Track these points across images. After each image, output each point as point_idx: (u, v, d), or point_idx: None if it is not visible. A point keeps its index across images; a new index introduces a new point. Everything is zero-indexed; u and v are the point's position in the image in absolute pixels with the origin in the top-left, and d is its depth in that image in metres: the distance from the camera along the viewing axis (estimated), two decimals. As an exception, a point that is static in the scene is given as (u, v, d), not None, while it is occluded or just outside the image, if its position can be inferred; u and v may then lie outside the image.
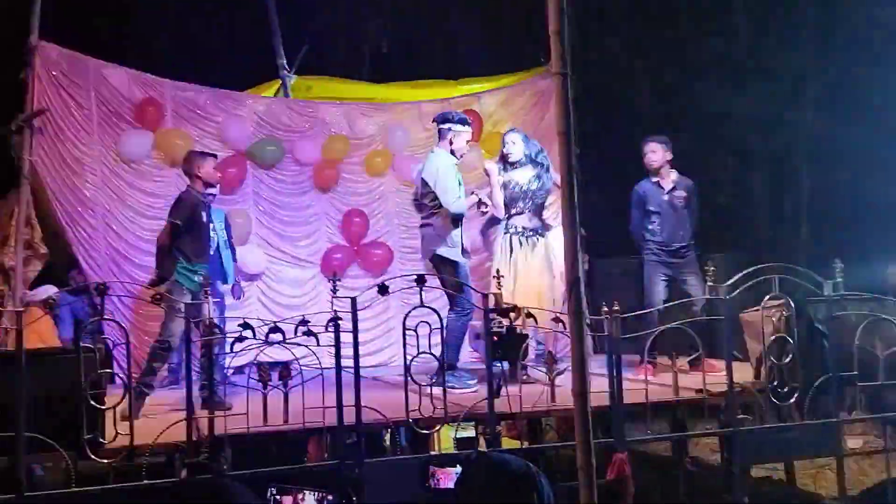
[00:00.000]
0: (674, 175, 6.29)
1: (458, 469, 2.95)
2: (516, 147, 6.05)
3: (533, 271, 6.01)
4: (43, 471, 4.35)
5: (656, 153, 6.22)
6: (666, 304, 5.87)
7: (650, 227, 6.24)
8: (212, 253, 5.97)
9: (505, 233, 6.13)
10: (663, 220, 6.21)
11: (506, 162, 6.11)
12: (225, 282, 6.64)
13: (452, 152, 5.81)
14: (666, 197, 6.23)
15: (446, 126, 5.82)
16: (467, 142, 5.91)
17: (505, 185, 6.07)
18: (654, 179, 6.27)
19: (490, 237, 6.88)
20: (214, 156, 5.72)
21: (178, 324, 5.08)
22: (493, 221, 6.69)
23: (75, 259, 6.79)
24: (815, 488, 5.72)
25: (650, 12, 11.41)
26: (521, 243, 6.05)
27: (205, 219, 5.46)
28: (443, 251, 5.71)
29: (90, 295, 6.24)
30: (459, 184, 5.74)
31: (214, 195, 6.11)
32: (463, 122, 5.88)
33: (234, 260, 6.79)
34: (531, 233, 6.13)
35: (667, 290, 6.13)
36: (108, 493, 3.80)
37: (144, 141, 7.12)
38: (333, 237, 7.89)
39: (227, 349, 4.71)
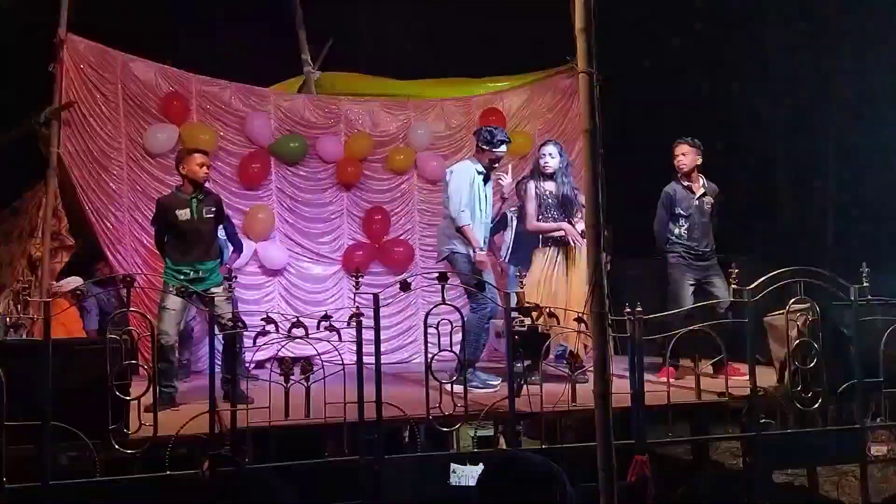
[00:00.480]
0: (702, 180, 6.24)
1: (479, 467, 2.95)
2: (553, 160, 6.05)
3: (572, 277, 6.00)
4: (68, 460, 4.39)
5: (687, 156, 6.15)
6: (689, 307, 5.82)
7: (677, 230, 6.17)
8: None
9: (544, 245, 6.14)
10: (692, 225, 6.14)
11: (542, 174, 6.11)
12: None
13: (485, 165, 5.88)
14: (696, 202, 6.17)
15: (484, 146, 5.89)
16: (493, 161, 5.91)
17: (538, 196, 6.09)
18: (686, 183, 6.19)
19: (500, 239, 6.93)
20: (202, 151, 5.57)
21: (166, 322, 5.10)
22: (501, 224, 6.74)
23: (101, 251, 6.86)
24: (837, 495, 5.66)
25: (676, 12, 11.33)
26: (557, 251, 6.05)
27: (187, 217, 5.32)
28: (452, 246, 5.79)
29: (116, 287, 6.33)
30: (480, 198, 5.84)
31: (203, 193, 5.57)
32: (495, 142, 5.91)
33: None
34: (563, 241, 6.11)
35: (693, 295, 6.06)
36: (132, 483, 3.84)
37: (170, 135, 7.18)
38: (355, 234, 7.91)
39: (249, 343, 4.76)
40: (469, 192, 5.78)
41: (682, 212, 6.14)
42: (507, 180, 6.57)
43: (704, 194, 6.20)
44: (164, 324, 5.09)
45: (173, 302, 5.09)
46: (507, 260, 6.85)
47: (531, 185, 6.13)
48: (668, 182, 6.37)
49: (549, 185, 6.09)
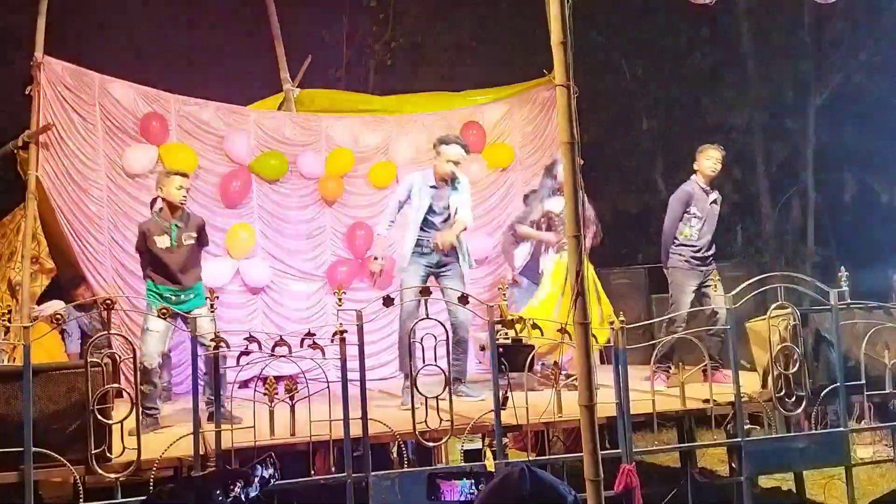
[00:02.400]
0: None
1: (465, 482, 2.92)
2: None
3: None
4: (51, 486, 4.34)
5: (720, 163, 6.23)
6: (672, 314, 5.85)
7: (687, 230, 6.19)
8: None
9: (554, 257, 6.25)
10: (702, 227, 6.19)
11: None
12: None
13: (441, 176, 5.87)
14: (710, 206, 6.23)
15: (437, 150, 5.90)
16: (450, 161, 5.83)
17: (544, 216, 6.25)
18: (703, 185, 6.25)
19: (512, 250, 6.95)
20: (182, 174, 5.48)
21: (150, 344, 5.06)
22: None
23: (82, 274, 6.81)
24: (824, 498, 5.68)
25: (653, 22, 11.45)
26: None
27: (167, 244, 5.26)
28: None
29: (97, 309, 6.28)
30: (422, 206, 5.84)
31: (185, 218, 5.46)
32: (446, 141, 5.91)
33: None
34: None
35: (693, 301, 6.10)
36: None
37: (149, 155, 7.14)
38: (338, 250, 7.88)
39: (233, 363, 4.73)
40: (393, 204, 6.00)
41: (697, 212, 6.17)
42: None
43: (715, 201, 6.28)
44: (147, 346, 5.05)
45: (156, 324, 5.04)
46: (520, 272, 6.89)
47: (546, 201, 6.25)
48: (650, 193, 6.44)
49: (556, 204, 6.17)
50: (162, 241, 5.24)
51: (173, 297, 5.23)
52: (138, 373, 4.43)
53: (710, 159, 6.20)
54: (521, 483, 1.75)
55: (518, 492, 1.74)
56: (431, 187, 5.86)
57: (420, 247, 5.84)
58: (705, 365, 4.96)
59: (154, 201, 5.47)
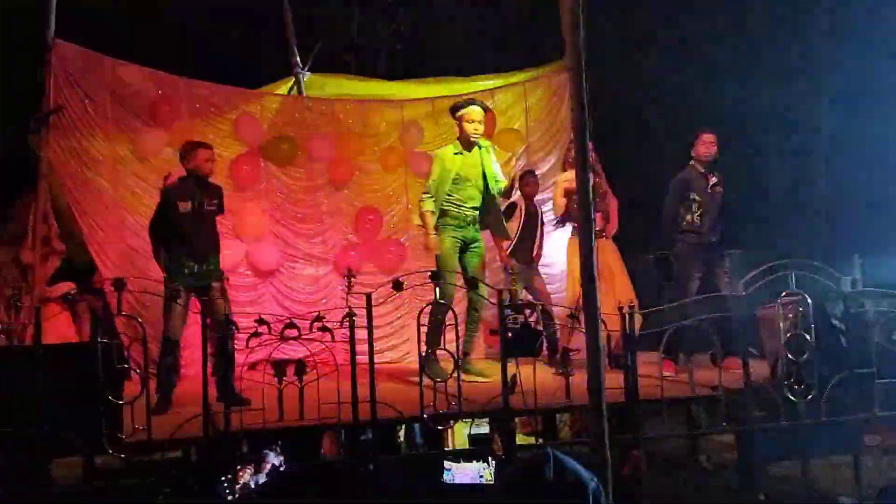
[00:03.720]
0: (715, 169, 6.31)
1: (473, 465, 2.95)
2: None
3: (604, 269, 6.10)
4: (61, 465, 4.37)
5: (715, 145, 6.22)
6: (678, 301, 5.83)
7: (689, 216, 6.18)
8: None
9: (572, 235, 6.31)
10: (703, 211, 6.17)
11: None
12: None
13: (467, 139, 5.80)
14: (710, 190, 6.21)
15: (455, 116, 5.84)
16: (473, 121, 5.79)
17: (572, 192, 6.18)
18: (701, 170, 6.24)
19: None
20: (207, 146, 5.54)
21: (174, 317, 5.09)
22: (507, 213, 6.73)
23: (91, 256, 6.83)
24: (832, 487, 5.68)
25: (666, 8, 11.35)
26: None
27: (188, 209, 5.30)
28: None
29: (106, 291, 6.32)
30: (461, 175, 5.77)
31: (207, 186, 5.57)
32: (463, 105, 5.86)
33: None
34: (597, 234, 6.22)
35: (698, 286, 6.09)
36: (126, 487, 3.83)
37: (159, 138, 7.15)
38: (347, 234, 7.89)
39: (243, 345, 4.75)
40: (436, 177, 5.78)
41: (696, 196, 6.16)
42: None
43: (717, 184, 6.24)
44: (172, 319, 5.08)
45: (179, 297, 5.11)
46: (507, 253, 6.80)
47: (569, 183, 6.18)
48: (660, 182, 6.41)
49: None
50: (185, 206, 5.28)
51: (196, 268, 5.24)
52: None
53: (703, 144, 6.21)
54: (545, 468, 1.75)
55: (542, 477, 1.74)
56: (456, 154, 5.81)
57: (455, 219, 5.79)
58: (713, 351, 4.94)
59: (167, 176, 5.49)
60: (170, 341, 5.02)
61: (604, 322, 4.34)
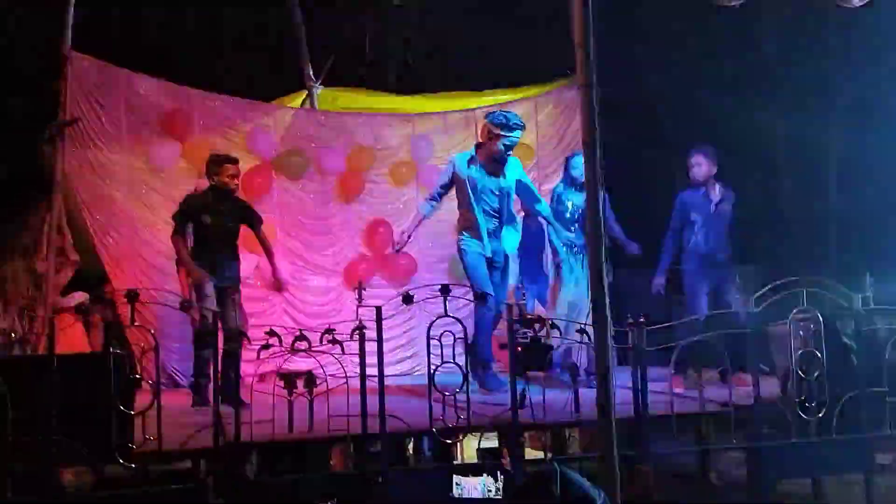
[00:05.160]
0: (719, 187, 6.26)
1: (482, 479, 2.95)
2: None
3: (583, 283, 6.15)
4: (72, 475, 4.40)
5: (702, 166, 6.20)
6: (684, 319, 5.82)
7: (693, 238, 6.17)
8: None
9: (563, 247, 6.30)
10: (707, 231, 6.15)
11: (574, 184, 6.18)
12: None
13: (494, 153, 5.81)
14: (713, 209, 6.19)
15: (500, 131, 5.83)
16: (507, 147, 5.81)
17: (566, 208, 6.25)
18: (701, 191, 6.23)
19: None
20: (233, 161, 5.64)
21: (209, 306, 5.20)
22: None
23: (103, 266, 6.88)
24: (842, 505, 5.64)
25: (677, 25, 11.38)
26: (575, 258, 6.21)
27: (208, 221, 5.46)
28: (460, 239, 5.86)
29: (119, 303, 6.36)
30: (479, 190, 5.80)
31: (230, 203, 5.78)
32: (509, 127, 5.84)
33: None
34: (581, 248, 6.25)
35: (708, 303, 6.07)
36: (135, 498, 3.84)
37: (172, 150, 7.21)
38: (358, 247, 7.92)
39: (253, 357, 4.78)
40: (440, 180, 5.89)
41: (697, 217, 6.15)
42: None
43: (721, 201, 6.22)
44: (208, 311, 5.14)
45: (209, 288, 5.26)
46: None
47: (560, 194, 6.26)
48: (673, 192, 6.42)
49: (578, 199, 6.13)
50: (206, 218, 5.42)
51: (214, 271, 5.38)
52: (160, 364, 4.45)
53: (690, 167, 6.22)
54: (552, 484, 1.75)
55: (549, 492, 1.75)
56: (481, 166, 5.82)
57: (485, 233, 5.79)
58: (723, 369, 4.93)
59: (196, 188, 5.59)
60: (206, 333, 5.03)
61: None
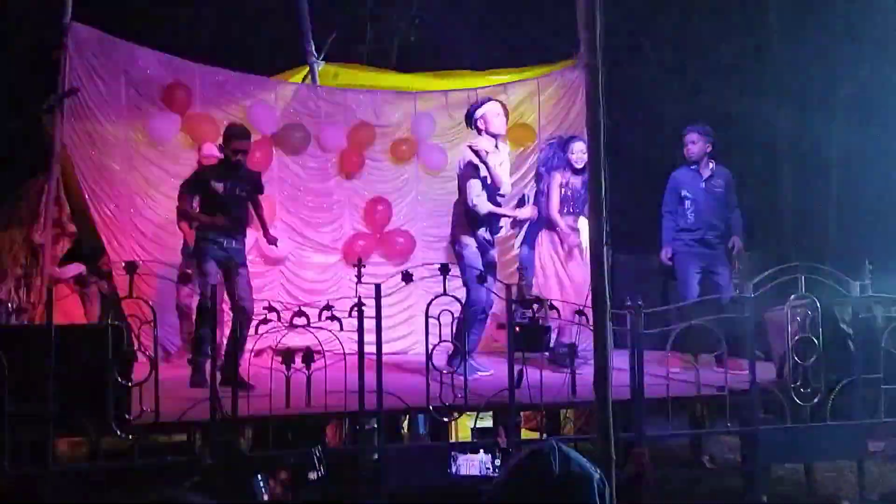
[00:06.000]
0: (712, 164, 6.25)
1: (480, 456, 2.95)
2: (584, 156, 6.15)
3: (574, 265, 6.22)
4: (69, 445, 4.40)
5: (696, 144, 6.20)
6: (687, 302, 5.83)
7: (683, 215, 6.17)
8: None
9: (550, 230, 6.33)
10: (697, 208, 6.15)
11: (573, 169, 6.24)
12: None
13: (492, 135, 5.80)
14: (703, 185, 6.18)
15: (476, 116, 5.83)
16: (499, 115, 5.85)
17: (562, 186, 6.25)
18: (693, 167, 6.24)
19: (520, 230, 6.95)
20: (243, 137, 5.58)
21: (208, 285, 5.17)
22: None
23: (100, 238, 6.86)
24: (835, 491, 5.68)
25: (680, 9, 11.32)
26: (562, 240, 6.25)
27: (220, 189, 5.48)
28: (459, 233, 5.83)
29: (117, 274, 6.36)
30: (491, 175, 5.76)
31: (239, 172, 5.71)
32: (485, 101, 5.89)
33: None
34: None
35: (700, 284, 6.09)
36: (132, 469, 3.85)
37: (172, 124, 7.17)
38: (357, 224, 7.91)
39: (252, 331, 4.79)
40: (477, 179, 5.76)
41: (688, 194, 6.15)
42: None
43: (712, 177, 6.20)
44: (206, 287, 5.14)
45: (210, 266, 5.27)
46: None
47: (556, 174, 6.24)
48: (670, 175, 6.41)
49: (576, 180, 6.18)
50: (217, 186, 5.46)
51: (222, 242, 5.40)
52: (157, 337, 4.45)
53: (685, 144, 6.23)
54: (551, 460, 1.74)
55: (547, 468, 1.74)
56: (488, 154, 5.80)
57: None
58: (721, 353, 4.94)
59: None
60: (206, 310, 5.02)
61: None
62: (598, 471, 1.80)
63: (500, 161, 5.84)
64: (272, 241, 5.86)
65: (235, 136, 5.51)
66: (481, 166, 5.70)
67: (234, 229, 5.50)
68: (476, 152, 5.68)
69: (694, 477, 4.88)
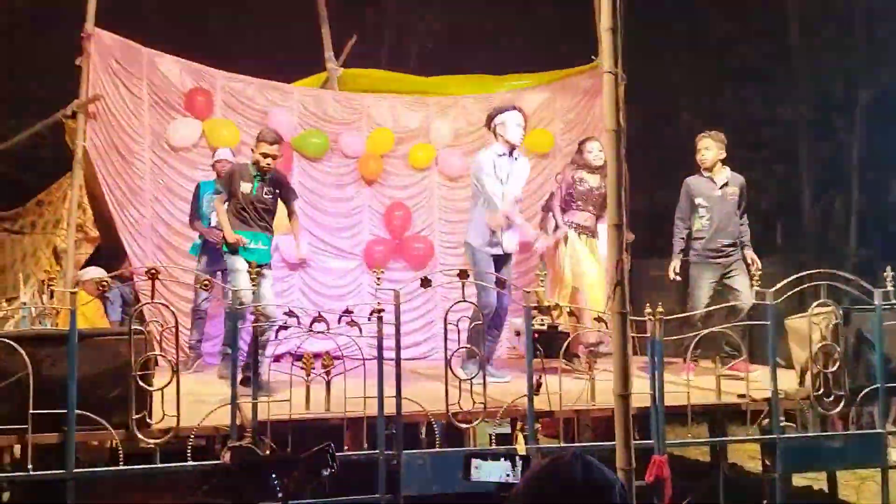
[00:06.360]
0: (726, 171, 6.15)
1: (501, 463, 2.93)
2: (601, 155, 6.15)
3: (588, 263, 6.26)
4: (92, 449, 4.44)
5: (710, 150, 6.08)
6: (711, 308, 5.80)
7: (698, 223, 6.10)
8: None
9: (567, 227, 6.39)
10: (712, 216, 6.06)
11: (587, 169, 6.30)
12: None
13: (507, 143, 5.79)
14: (718, 193, 6.08)
15: (496, 122, 5.80)
16: (518, 125, 5.81)
17: (575, 181, 6.32)
18: (707, 175, 6.15)
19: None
20: (273, 141, 5.58)
21: (240, 282, 5.22)
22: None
23: (121, 244, 6.92)
24: (857, 500, 5.62)
25: (701, 13, 11.28)
26: (578, 236, 6.32)
27: (248, 191, 5.55)
28: (469, 238, 5.82)
29: (138, 280, 6.41)
30: (502, 178, 5.74)
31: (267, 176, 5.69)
32: (508, 109, 5.87)
33: None
34: (587, 231, 6.36)
35: (711, 293, 6.03)
36: (153, 473, 3.88)
37: (193, 130, 7.23)
38: (375, 230, 7.93)
39: (271, 336, 4.81)
40: (494, 179, 5.73)
41: (703, 202, 6.06)
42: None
43: (727, 184, 6.09)
44: (238, 284, 5.18)
45: (241, 263, 5.32)
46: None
47: (568, 172, 6.34)
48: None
49: (592, 179, 6.26)
50: (245, 187, 5.55)
51: (248, 242, 5.47)
52: (179, 342, 4.49)
53: (698, 151, 6.15)
54: (574, 467, 1.74)
55: (570, 476, 1.73)
56: (500, 156, 5.79)
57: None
58: (739, 360, 4.91)
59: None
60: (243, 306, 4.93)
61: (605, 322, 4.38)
62: (619, 480, 1.80)
63: (509, 172, 5.75)
64: (300, 261, 5.95)
65: (265, 140, 5.58)
66: (490, 172, 5.70)
67: (259, 232, 5.55)
68: (486, 160, 5.70)
69: (714, 485, 4.83)
